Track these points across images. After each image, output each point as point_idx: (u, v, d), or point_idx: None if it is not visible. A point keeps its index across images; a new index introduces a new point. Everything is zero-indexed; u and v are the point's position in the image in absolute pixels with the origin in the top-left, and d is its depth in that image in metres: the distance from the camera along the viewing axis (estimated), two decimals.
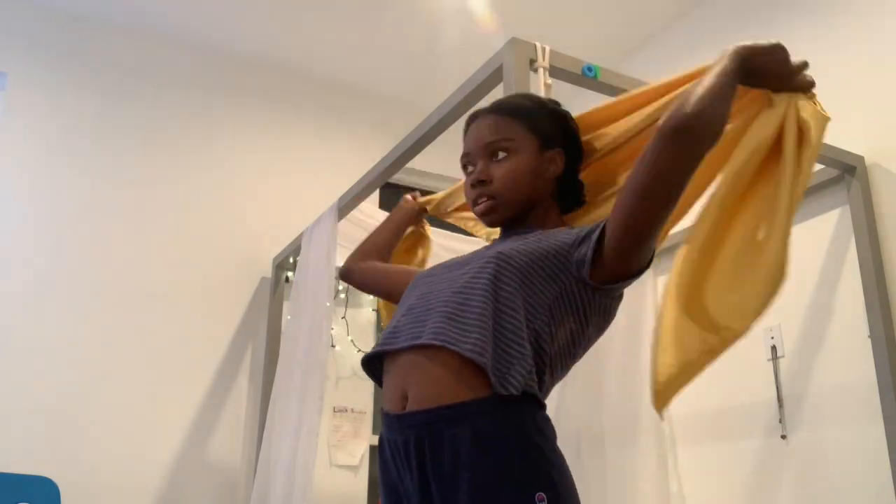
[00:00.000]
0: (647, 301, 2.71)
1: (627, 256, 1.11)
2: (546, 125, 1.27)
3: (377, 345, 1.22)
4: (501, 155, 1.24)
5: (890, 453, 1.94)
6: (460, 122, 1.88)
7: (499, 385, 1.05)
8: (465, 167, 1.31)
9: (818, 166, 2.22)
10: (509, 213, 1.25)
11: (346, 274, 1.72)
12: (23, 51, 2.84)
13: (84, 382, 2.62)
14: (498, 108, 1.30)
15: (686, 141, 1.04)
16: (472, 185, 1.26)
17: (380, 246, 1.73)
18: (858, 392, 2.08)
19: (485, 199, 1.24)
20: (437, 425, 1.08)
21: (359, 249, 1.73)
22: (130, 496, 2.59)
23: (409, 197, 1.84)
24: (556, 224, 1.27)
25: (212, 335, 2.89)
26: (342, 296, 3.08)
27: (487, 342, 1.07)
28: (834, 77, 2.33)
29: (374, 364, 1.25)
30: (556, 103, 1.34)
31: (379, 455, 1.21)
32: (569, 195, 1.32)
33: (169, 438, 2.71)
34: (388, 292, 1.63)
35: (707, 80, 1.08)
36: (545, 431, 1.10)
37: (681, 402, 2.55)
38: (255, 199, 3.10)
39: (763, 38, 1.18)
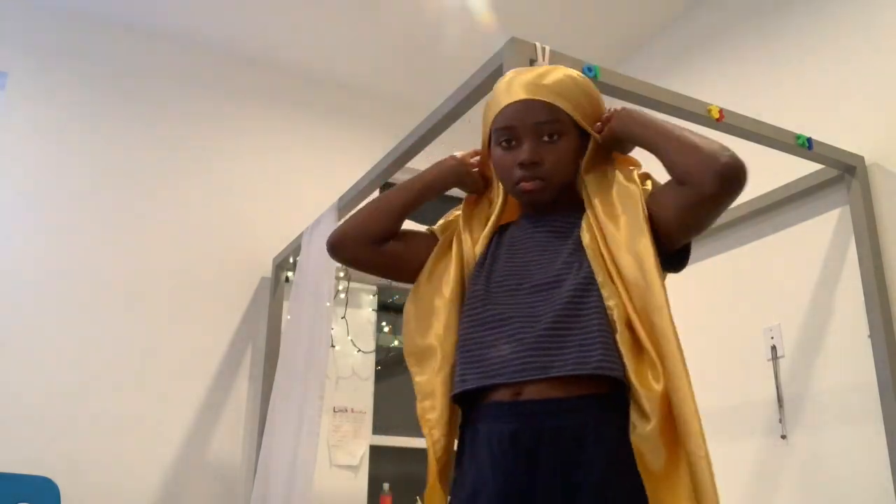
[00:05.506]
0: None
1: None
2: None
3: (468, 374, 1.17)
4: (552, 137, 1.23)
5: (890, 453, 1.94)
6: (460, 123, 1.89)
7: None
8: (507, 141, 1.25)
9: (818, 166, 2.22)
10: (553, 196, 1.26)
11: (345, 246, 1.35)
12: (23, 51, 2.84)
13: (84, 382, 2.62)
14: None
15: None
16: (522, 165, 1.22)
17: (398, 210, 1.35)
18: (858, 392, 2.08)
19: (536, 180, 1.23)
20: (559, 415, 1.09)
21: (368, 214, 1.36)
22: (130, 496, 2.59)
23: (460, 156, 1.38)
24: (571, 199, 1.28)
25: (212, 335, 2.88)
26: (342, 296, 3.08)
27: (610, 351, 1.11)
28: (834, 77, 2.33)
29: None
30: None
31: (468, 447, 1.17)
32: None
33: (169, 438, 2.71)
34: (399, 271, 1.37)
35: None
36: None
37: None
38: (255, 199, 3.10)
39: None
